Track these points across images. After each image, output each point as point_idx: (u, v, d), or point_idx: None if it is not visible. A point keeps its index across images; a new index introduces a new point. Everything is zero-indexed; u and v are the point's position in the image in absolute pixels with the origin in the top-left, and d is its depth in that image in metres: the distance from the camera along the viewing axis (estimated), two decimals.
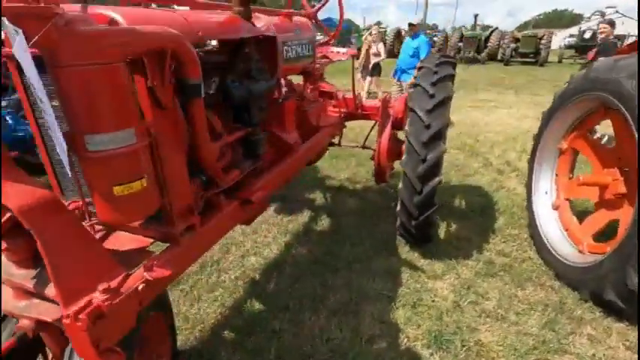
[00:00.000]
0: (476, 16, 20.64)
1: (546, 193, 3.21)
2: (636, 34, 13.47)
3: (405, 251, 3.12)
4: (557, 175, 3.17)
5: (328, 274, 2.81)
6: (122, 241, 1.44)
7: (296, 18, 2.56)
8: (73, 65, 0.89)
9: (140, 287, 1.19)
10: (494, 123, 7.62)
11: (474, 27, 20.80)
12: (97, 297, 1.06)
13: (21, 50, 0.79)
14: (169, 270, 1.23)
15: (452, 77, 2.70)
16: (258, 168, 2.10)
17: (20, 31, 0.77)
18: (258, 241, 3.30)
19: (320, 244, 3.23)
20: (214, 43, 1.79)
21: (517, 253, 3.13)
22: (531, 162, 3.34)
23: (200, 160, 1.43)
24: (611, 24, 6.00)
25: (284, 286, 2.68)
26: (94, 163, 1.02)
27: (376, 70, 8.53)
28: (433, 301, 2.58)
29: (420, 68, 2.83)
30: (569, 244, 2.83)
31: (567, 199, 3.06)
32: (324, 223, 3.62)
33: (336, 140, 3.42)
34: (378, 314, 2.43)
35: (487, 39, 19.80)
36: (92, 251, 1.14)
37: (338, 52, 3.71)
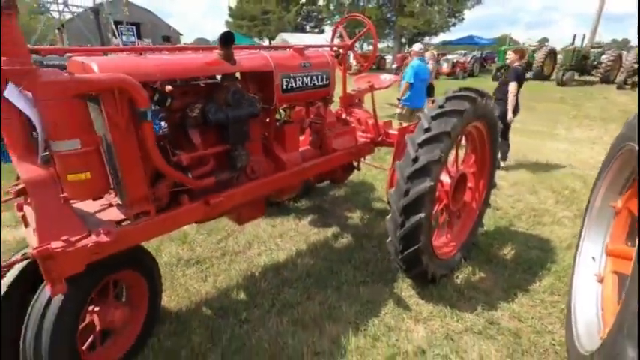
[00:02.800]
0: None
1: (594, 259, 2.60)
2: None
3: (403, 286, 3.02)
4: (610, 239, 2.53)
5: (314, 289, 2.99)
6: (111, 212, 2.08)
7: (312, 52, 2.89)
8: (41, 99, 1.51)
9: (90, 245, 1.75)
10: None
11: None
12: (55, 243, 1.66)
13: (13, 93, 1.43)
14: (109, 240, 1.77)
15: (460, 112, 2.54)
16: (240, 178, 2.52)
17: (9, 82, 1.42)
18: (279, 244, 3.70)
19: (327, 260, 3.41)
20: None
21: (537, 322, 2.64)
22: (584, 217, 2.75)
23: (155, 166, 1.95)
24: (520, 52, 5.92)
25: (270, 287, 3.00)
26: (56, 159, 1.64)
27: (429, 91, 8.20)
28: (397, 339, 2.48)
29: (433, 101, 2.76)
30: (598, 328, 2.26)
31: (616, 273, 2.42)
32: (343, 241, 3.76)
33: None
34: (333, 334, 2.50)
35: None
36: (65, 214, 1.76)
37: (384, 80, 3.83)
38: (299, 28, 42.90)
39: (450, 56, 25.79)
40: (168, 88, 2.20)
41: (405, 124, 3.58)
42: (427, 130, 2.49)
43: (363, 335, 2.51)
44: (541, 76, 20.33)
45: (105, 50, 2.13)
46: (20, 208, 2.06)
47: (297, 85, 2.70)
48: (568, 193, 5.04)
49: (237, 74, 2.50)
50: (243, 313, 2.68)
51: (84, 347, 1.96)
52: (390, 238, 2.74)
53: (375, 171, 5.47)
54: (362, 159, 3.68)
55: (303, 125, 3.21)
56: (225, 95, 2.23)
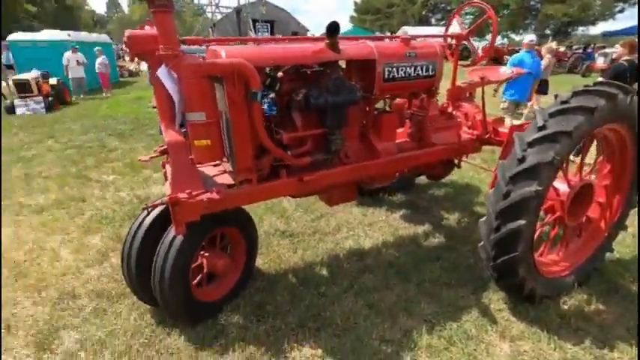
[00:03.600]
0: None
1: None
2: None
3: (493, 297, 2.76)
4: None
5: (394, 280, 2.98)
6: (224, 177, 2.49)
7: (420, 42, 2.83)
8: (183, 78, 1.91)
9: (205, 199, 2.14)
10: None
11: None
12: (181, 195, 2.09)
13: (163, 73, 1.86)
14: (218, 197, 2.14)
15: (589, 110, 2.16)
16: (334, 161, 2.68)
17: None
18: (367, 232, 3.78)
19: (413, 255, 3.34)
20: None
21: None
22: None
23: (260, 141, 2.23)
24: (629, 45, 5.02)
25: (352, 269, 3.11)
26: (188, 127, 2.04)
27: (542, 87, 7.34)
28: (475, 349, 2.31)
29: (556, 96, 2.41)
30: None
31: None
32: (434, 240, 3.61)
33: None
34: (405, 327, 2.48)
35: None
36: (191, 173, 2.19)
37: (502, 73, 3.48)
38: (424, 21, 41.11)
39: (609, 49, 21.20)
40: (279, 74, 2.47)
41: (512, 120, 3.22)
42: (541, 128, 2.20)
43: (437, 335, 2.42)
44: None
45: (234, 40, 2.53)
46: (164, 166, 2.63)
47: (400, 75, 2.69)
48: None
49: (343, 63, 2.64)
50: (322, 287, 2.87)
51: (194, 282, 2.42)
52: (482, 242, 2.54)
53: (484, 174, 5.02)
54: (464, 157, 3.44)
55: (404, 116, 3.18)
56: (328, 82, 2.39)
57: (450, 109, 3.41)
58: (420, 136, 3.15)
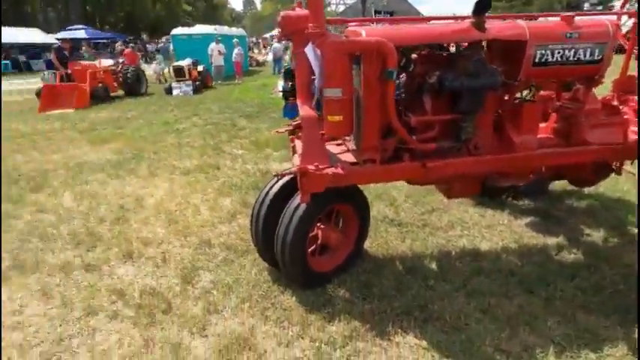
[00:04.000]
0: None
1: None
2: None
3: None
4: None
5: (515, 289, 2.67)
6: (347, 155, 2.58)
7: (586, 20, 2.41)
8: (325, 55, 2.01)
9: (330, 173, 2.26)
10: None
11: None
12: (309, 167, 2.24)
13: (310, 50, 2.00)
14: (343, 173, 2.23)
15: None
16: (461, 150, 2.51)
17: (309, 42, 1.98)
18: (484, 234, 3.46)
19: (540, 267, 2.93)
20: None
21: None
22: None
23: (388, 121, 2.22)
24: None
25: (465, 269, 2.89)
26: (324, 102, 2.15)
27: None
28: None
29: None
30: None
31: None
32: (569, 256, 3.09)
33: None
34: (527, 342, 2.21)
35: None
36: (320, 148, 2.33)
37: None
38: (574, 7, 34.83)
39: None
40: (414, 55, 2.41)
41: None
42: None
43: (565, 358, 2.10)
44: None
45: (372, 20, 2.56)
46: (292, 141, 2.86)
47: (555, 59, 2.35)
48: None
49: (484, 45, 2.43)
50: (431, 280, 2.75)
51: (309, 250, 2.59)
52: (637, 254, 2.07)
53: None
54: (628, 162, 2.83)
55: (551, 108, 2.77)
56: (466, 64, 2.24)
57: (614, 102, 2.83)
58: (570, 131, 2.70)
